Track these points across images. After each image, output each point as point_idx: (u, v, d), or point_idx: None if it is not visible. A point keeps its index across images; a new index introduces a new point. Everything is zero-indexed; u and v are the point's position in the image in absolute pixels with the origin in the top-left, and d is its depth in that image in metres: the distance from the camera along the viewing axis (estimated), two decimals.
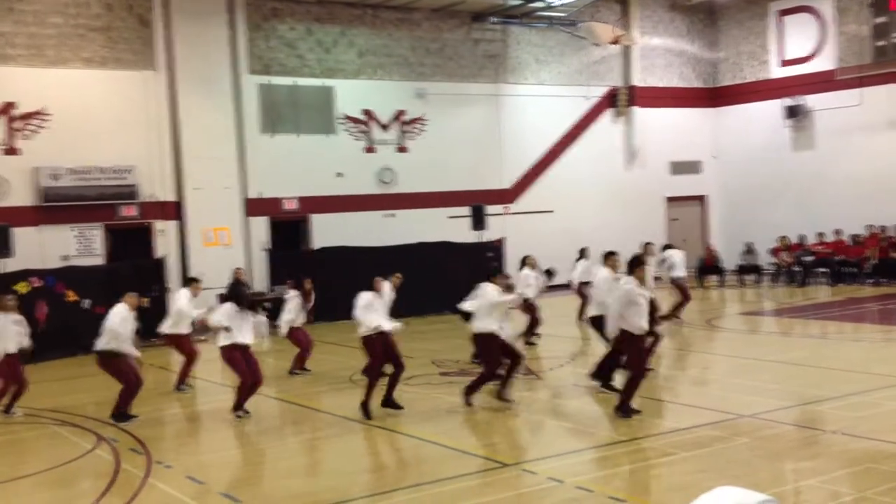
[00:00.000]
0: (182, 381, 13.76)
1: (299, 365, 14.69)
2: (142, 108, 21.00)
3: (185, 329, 13.78)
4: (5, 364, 12.20)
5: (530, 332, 16.51)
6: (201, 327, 13.79)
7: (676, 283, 18.50)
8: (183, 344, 13.82)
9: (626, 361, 11.13)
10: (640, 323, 10.66)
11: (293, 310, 14.61)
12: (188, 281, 14.84)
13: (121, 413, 11.62)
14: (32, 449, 10.93)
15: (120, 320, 11.54)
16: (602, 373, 12.15)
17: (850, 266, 24.59)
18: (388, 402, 11.44)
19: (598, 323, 12.80)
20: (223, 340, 11.55)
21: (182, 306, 13.70)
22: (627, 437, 10.05)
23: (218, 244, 21.55)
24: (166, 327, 13.89)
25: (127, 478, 9.22)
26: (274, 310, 15.44)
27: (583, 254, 19.51)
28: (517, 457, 9.53)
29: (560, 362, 15.01)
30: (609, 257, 13.07)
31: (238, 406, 11.61)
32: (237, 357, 11.53)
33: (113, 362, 11.60)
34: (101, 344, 11.58)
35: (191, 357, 13.82)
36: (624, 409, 10.64)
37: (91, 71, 20.56)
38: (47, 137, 20.00)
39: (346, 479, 9.01)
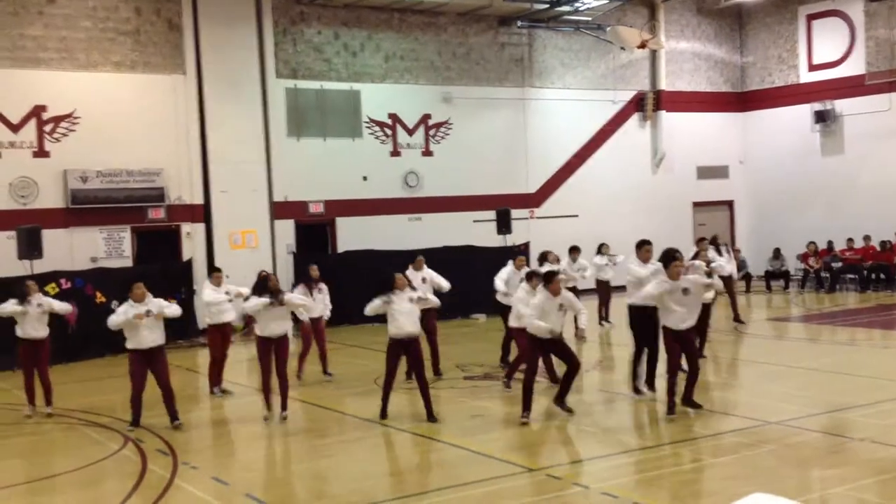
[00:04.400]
0: (216, 383, 13.68)
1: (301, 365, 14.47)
2: (170, 111, 21.14)
3: (224, 318, 13.61)
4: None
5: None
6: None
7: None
8: (216, 339, 13.67)
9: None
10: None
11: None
12: (210, 271, 14.70)
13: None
14: (61, 449, 11.02)
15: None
16: (650, 378, 12.14)
17: (880, 272, 24.38)
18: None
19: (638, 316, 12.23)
20: (256, 331, 11.90)
21: (206, 297, 13.69)
22: (654, 442, 10.02)
23: (245, 247, 21.66)
24: (207, 320, 13.87)
25: (153, 479, 9.29)
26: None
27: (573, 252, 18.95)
28: (542, 462, 9.51)
29: (585, 367, 14.96)
30: (642, 247, 12.63)
31: (265, 402, 11.83)
32: (264, 349, 11.78)
33: None
34: None
35: (217, 356, 13.78)
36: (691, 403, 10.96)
37: (120, 74, 20.73)
38: (77, 140, 20.18)
39: (371, 482, 9.03)
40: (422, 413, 11.38)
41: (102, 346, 17.07)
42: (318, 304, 14.28)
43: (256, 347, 11.93)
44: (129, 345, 11.50)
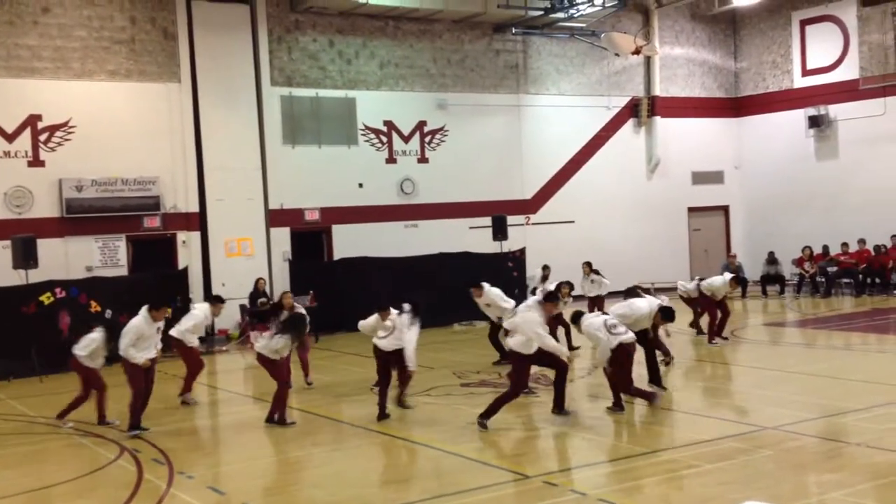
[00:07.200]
0: (186, 391, 13.58)
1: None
2: (165, 119, 21.15)
3: (193, 341, 13.62)
4: None
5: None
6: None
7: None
8: (189, 354, 13.65)
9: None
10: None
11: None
12: (213, 299, 14.52)
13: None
14: (56, 459, 10.98)
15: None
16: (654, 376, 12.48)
17: (874, 276, 24.41)
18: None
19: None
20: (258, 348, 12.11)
21: (198, 321, 13.66)
22: (650, 449, 10.00)
23: (240, 255, 21.66)
24: (176, 332, 13.65)
25: (149, 488, 9.26)
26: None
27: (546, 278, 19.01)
28: (539, 469, 9.50)
29: (580, 374, 14.96)
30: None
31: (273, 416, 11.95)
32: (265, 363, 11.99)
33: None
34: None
35: (195, 368, 13.73)
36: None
37: (115, 83, 20.74)
38: (72, 149, 20.19)
39: (367, 489, 9.01)
40: (420, 420, 11.39)
41: None
42: None
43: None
44: (139, 360, 11.62)
